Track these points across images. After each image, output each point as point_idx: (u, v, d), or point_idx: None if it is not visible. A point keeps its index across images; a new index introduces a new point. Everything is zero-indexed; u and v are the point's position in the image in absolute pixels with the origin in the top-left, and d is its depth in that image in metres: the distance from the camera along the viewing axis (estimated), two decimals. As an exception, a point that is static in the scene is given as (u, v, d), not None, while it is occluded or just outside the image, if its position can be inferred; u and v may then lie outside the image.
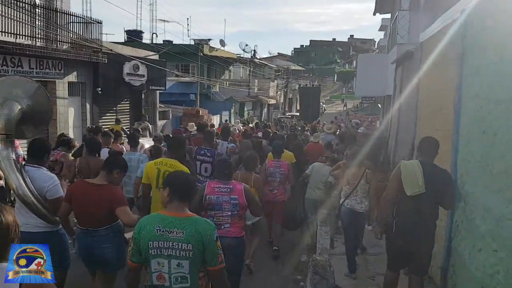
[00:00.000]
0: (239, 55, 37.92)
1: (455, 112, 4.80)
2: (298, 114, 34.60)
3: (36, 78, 12.09)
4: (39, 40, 12.26)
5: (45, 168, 4.19)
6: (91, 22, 14.13)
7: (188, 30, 69.78)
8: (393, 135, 11.39)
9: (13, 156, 4.24)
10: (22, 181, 3.96)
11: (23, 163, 4.29)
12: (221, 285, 2.81)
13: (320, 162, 7.07)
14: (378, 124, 20.49)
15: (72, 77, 13.67)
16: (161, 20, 33.99)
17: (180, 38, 37.10)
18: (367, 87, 16.05)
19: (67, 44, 13.34)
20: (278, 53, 78.81)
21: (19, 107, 4.33)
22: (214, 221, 3.87)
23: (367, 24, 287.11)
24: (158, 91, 19.45)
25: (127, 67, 15.78)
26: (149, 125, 15.60)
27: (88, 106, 14.64)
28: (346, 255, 5.81)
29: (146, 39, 33.07)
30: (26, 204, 3.93)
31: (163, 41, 32.44)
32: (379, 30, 30.52)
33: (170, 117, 21.50)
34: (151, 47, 23.24)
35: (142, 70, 16.63)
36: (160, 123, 20.11)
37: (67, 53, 12.59)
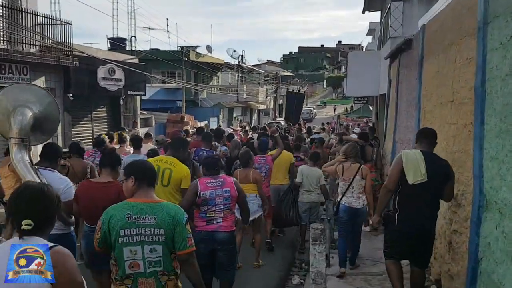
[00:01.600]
0: (227, 63, 37.12)
1: (477, 99, 3.83)
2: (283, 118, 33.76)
3: (-3, 83, 11.02)
4: (1, 42, 11.18)
5: (57, 171, 4.31)
6: (61, 23, 13.05)
7: (176, 37, 68.48)
8: (390, 134, 10.45)
9: (27, 158, 4.31)
10: (35, 176, 4.05)
11: (36, 166, 4.34)
12: (191, 269, 2.83)
13: (306, 165, 7.11)
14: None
15: (40, 83, 12.53)
16: (146, 27, 32.94)
17: (167, 46, 36.47)
18: (359, 86, 15.15)
19: (35, 47, 12.27)
20: (267, 60, 78.16)
21: (31, 113, 4.45)
22: (206, 217, 4.22)
23: (354, 30, 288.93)
24: (138, 97, 18.33)
25: (101, 71, 14.71)
26: (139, 131, 14.54)
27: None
28: (338, 249, 5.91)
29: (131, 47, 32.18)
30: None
31: (150, 49, 31.49)
32: (366, 35, 29.93)
33: (153, 124, 20.40)
34: (136, 53, 22.19)
35: (119, 74, 15.57)
36: (141, 130, 18.95)
37: (32, 56, 11.48)
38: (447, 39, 5.31)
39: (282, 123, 24.11)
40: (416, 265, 4.31)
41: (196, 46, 35.14)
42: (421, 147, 4.24)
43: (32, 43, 11.90)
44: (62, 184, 4.03)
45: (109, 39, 31.91)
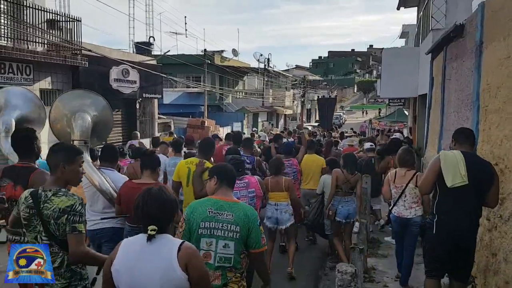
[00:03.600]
0: (253, 67, 36.05)
1: None
2: (316, 124, 32.55)
3: (-5, 83, 10.15)
4: (2, 39, 10.34)
5: (116, 171, 4.65)
6: (69, 21, 12.16)
7: (204, 42, 68.07)
8: (434, 140, 8.95)
9: (90, 159, 4.55)
10: (103, 179, 4.30)
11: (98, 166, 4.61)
12: (261, 266, 3.09)
13: (327, 174, 6.61)
14: (406, 132, 17.99)
15: (45, 84, 11.67)
16: (173, 32, 32.28)
17: (194, 51, 35.87)
18: (394, 87, 13.61)
19: (41, 45, 11.40)
20: (296, 65, 76.87)
21: (89, 117, 4.66)
22: None
23: (386, 35, 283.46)
24: (155, 100, 17.34)
25: (114, 72, 13.76)
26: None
27: (67, 117, 12.58)
28: (396, 254, 5.76)
29: (156, 50, 31.52)
30: (108, 198, 4.31)
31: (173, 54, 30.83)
32: (400, 38, 28.16)
33: (172, 128, 19.41)
34: (155, 55, 21.37)
35: (133, 75, 14.60)
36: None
37: (33, 55, 10.57)
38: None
39: (310, 128, 23.15)
40: (456, 278, 4.05)
41: (222, 51, 34.42)
42: (462, 148, 3.92)
43: (36, 40, 11.00)
44: (122, 180, 4.39)
45: (135, 43, 31.27)
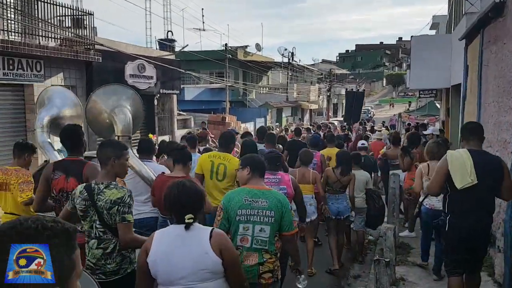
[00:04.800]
0: (277, 62, 35.27)
1: None
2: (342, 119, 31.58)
3: (4, 80, 9.87)
4: (15, 34, 10.04)
5: (154, 161, 5.22)
6: (81, 15, 11.78)
7: (228, 38, 67.56)
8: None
9: (132, 152, 4.76)
10: (145, 167, 4.68)
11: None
12: (293, 247, 3.36)
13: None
14: (438, 126, 16.92)
15: (57, 80, 11.32)
16: (196, 28, 31.91)
17: (218, 47, 35.38)
18: (425, 77, 12.64)
19: (52, 40, 11.07)
20: (322, 59, 75.49)
21: (129, 112, 4.93)
22: None
23: (415, 27, 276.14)
24: (174, 96, 16.88)
25: (130, 68, 13.35)
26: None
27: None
28: (421, 246, 5.95)
29: (179, 47, 31.20)
30: (149, 184, 4.60)
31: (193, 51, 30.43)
32: (430, 29, 26.72)
33: (192, 125, 18.94)
34: (173, 49, 20.94)
35: (150, 71, 14.15)
36: (179, 133, 17.54)
37: (43, 50, 10.21)
38: None
39: (336, 123, 22.35)
40: (471, 271, 4.04)
41: (246, 46, 33.84)
42: (469, 146, 3.90)
43: (45, 35, 10.65)
44: (162, 170, 4.71)
45: (157, 40, 31.02)
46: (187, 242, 2.34)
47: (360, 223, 6.54)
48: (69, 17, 11.71)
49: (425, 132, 11.30)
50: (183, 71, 16.92)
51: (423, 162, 5.89)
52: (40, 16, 10.62)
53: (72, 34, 11.35)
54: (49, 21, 10.88)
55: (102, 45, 11.82)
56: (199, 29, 30.95)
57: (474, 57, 8.26)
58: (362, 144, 8.63)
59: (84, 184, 3.10)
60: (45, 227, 1.30)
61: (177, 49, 29.41)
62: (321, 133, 12.38)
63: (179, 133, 17.71)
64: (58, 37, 11.21)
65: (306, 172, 5.72)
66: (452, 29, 12.78)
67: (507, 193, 3.80)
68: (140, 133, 14.87)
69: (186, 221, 2.32)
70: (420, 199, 5.65)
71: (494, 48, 6.55)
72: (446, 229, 3.90)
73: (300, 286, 3.41)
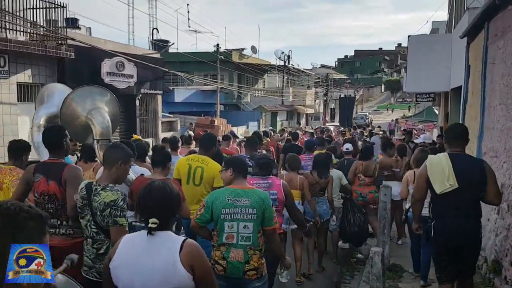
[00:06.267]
0: (273, 65, 34.51)
1: None
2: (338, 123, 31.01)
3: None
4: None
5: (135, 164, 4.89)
6: (52, 7, 10.91)
7: (224, 41, 66.97)
8: (471, 140, 7.18)
9: None
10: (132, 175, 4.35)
11: None
12: (274, 242, 3.42)
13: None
14: (436, 132, 16.11)
15: (24, 77, 10.45)
16: (192, 30, 31.15)
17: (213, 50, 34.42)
18: (422, 80, 11.81)
19: (24, 34, 10.21)
20: (321, 64, 74.95)
21: (107, 114, 4.87)
22: None
23: (416, 34, 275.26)
24: (159, 96, 16.00)
25: (107, 65, 12.47)
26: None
27: (52, 114, 11.34)
28: (412, 255, 5.80)
29: (173, 48, 30.37)
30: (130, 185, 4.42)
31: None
32: (430, 34, 26.08)
33: (178, 128, 18.06)
34: (159, 48, 20.13)
35: (130, 69, 13.27)
36: (163, 136, 16.66)
37: (6, 43, 9.31)
38: None
39: (332, 128, 21.79)
40: (463, 275, 3.94)
41: (243, 49, 33.12)
42: (450, 149, 3.87)
43: (11, 27, 9.77)
44: (142, 172, 4.41)
45: (152, 41, 30.21)
46: (153, 251, 2.11)
47: (334, 224, 6.52)
48: (41, 9, 10.83)
49: (416, 141, 10.54)
50: (166, 70, 16.04)
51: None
52: (7, 8, 9.77)
53: (41, 27, 10.44)
54: (18, 13, 10.03)
55: (73, 39, 10.93)
56: (195, 31, 30.23)
57: (477, 56, 7.43)
58: (347, 149, 8.05)
59: (86, 181, 3.15)
60: (22, 210, 1.45)
61: (171, 50, 28.80)
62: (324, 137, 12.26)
63: (163, 135, 16.84)
64: (28, 31, 10.36)
65: (294, 177, 5.53)
66: (453, 28, 11.97)
67: (491, 197, 3.75)
68: (120, 135, 14.02)
69: (149, 225, 2.09)
70: (407, 206, 5.63)
71: (501, 42, 5.68)
72: (432, 234, 3.87)
73: (282, 280, 3.62)
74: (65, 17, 10.95)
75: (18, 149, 4.31)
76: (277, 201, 4.28)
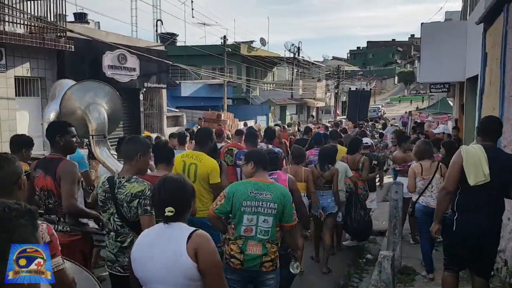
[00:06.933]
0: (282, 57, 33.99)
1: None
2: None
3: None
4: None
5: None
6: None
7: (234, 35, 66.52)
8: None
9: (110, 153, 4.91)
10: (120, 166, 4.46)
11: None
12: (292, 237, 3.58)
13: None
14: (450, 124, 15.55)
15: (22, 70, 10.18)
16: (201, 23, 30.78)
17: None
18: (437, 69, 11.25)
19: (22, 26, 9.93)
20: (332, 57, 74.02)
21: (104, 110, 4.91)
22: None
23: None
24: (163, 90, 15.65)
25: (108, 58, 12.14)
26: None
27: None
28: (422, 254, 5.63)
29: (181, 41, 30.02)
30: None
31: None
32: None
33: (184, 123, 17.71)
34: (163, 39, 19.78)
35: (132, 62, 12.94)
36: (169, 131, 16.34)
37: (2, 36, 9.03)
38: None
39: (344, 122, 21.46)
40: (478, 274, 3.86)
41: (252, 41, 32.67)
42: (484, 142, 3.78)
43: (7, 19, 9.48)
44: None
45: (159, 34, 29.91)
46: (164, 241, 2.15)
47: (339, 217, 6.44)
48: (40, 1, 10.51)
49: (435, 131, 10.05)
50: (170, 62, 15.66)
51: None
52: (5, 1, 9.48)
53: (37, 19, 10.12)
54: (15, 5, 9.74)
55: (71, 31, 10.60)
56: (203, 24, 29.82)
57: (495, 42, 6.91)
58: (366, 143, 8.19)
59: (108, 175, 3.22)
60: (12, 209, 1.40)
61: (178, 44, 28.42)
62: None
63: (169, 131, 16.52)
64: (25, 23, 10.06)
65: (298, 169, 5.52)
66: (468, 14, 11.39)
67: None
68: (123, 130, 13.73)
69: (166, 213, 2.13)
70: (414, 198, 5.63)
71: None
72: (454, 228, 3.80)
73: (292, 272, 3.67)
74: (64, 8, 10.60)
75: (20, 143, 4.27)
76: None
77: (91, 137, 4.68)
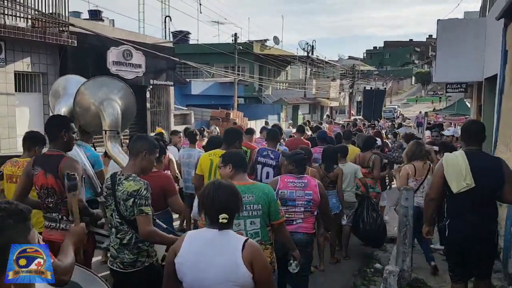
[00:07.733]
0: (295, 56, 33.51)
1: None
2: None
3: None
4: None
5: None
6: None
7: (248, 33, 66.20)
8: (508, 135, 6.36)
9: (122, 149, 4.84)
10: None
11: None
12: (283, 235, 3.45)
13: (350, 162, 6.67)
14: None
15: (23, 65, 9.96)
16: (215, 22, 30.47)
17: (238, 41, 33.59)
18: (453, 69, 10.66)
19: (24, 20, 9.71)
20: (348, 56, 73.18)
21: (118, 106, 4.74)
22: (285, 217, 3.98)
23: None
24: (171, 88, 15.35)
25: (113, 54, 11.87)
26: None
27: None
28: (424, 252, 5.79)
29: (194, 39, 29.72)
30: None
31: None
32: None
33: (192, 121, 17.41)
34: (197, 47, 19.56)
35: (138, 58, 12.65)
36: (176, 129, 16.06)
37: (1, 29, 8.80)
38: None
39: (358, 121, 21.00)
40: (478, 277, 3.88)
41: (266, 40, 32.26)
42: (467, 146, 3.79)
43: (7, 13, 9.26)
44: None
45: (172, 32, 29.65)
46: (218, 248, 2.17)
47: (347, 218, 6.42)
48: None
49: (444, 133, 9.54)
50: (177, 59, 15.33)
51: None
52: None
53: (38, 13, 9.88)
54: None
55: (73, 25, 10.34)
56: (217, 22, 29.53)
57: (516, 38, 6.40)
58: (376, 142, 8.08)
59: (112, 172, 3.21)
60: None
61: (191, 42, 28.16)
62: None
63: (176, 129, 16.23)
64: (26, 16, 9.84)
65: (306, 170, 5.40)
66: (487, 11, 10.80)
67: (510, 196, 3.66)
68: (129, 128, 13.46)
69: (220, 220, 2.15)
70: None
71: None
72: (447, 234, 3.82)
73: (291, 271, 3.62)
74: (67, 1, 10.34)
75: (36, 141, 4.19)
76: (312, 202, 4.15)
77: (104, 132, 4.63)
